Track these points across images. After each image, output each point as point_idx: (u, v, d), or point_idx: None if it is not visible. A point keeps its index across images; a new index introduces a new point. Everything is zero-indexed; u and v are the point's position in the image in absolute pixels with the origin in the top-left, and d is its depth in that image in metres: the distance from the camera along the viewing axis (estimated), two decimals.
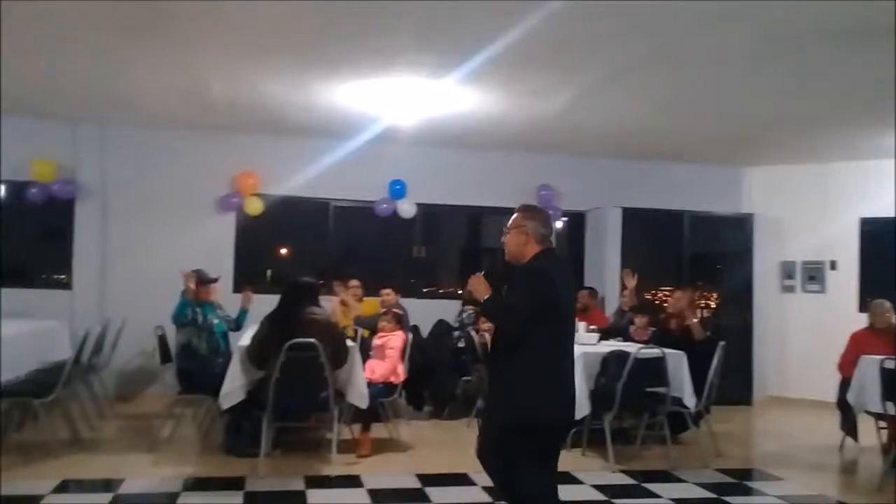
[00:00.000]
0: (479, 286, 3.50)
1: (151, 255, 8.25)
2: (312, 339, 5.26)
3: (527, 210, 3.64)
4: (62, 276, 8.43)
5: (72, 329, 7.29)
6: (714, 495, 5.23)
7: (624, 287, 7.73)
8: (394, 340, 6.33)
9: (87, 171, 8.20)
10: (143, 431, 6.51)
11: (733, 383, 7.90)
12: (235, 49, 5.66)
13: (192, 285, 6.25)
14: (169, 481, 5.05)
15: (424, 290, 9.30)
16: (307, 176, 8.55)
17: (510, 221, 3.62)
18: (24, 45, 5.67)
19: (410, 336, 6.53)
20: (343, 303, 7.69)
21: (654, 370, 5.88)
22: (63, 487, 4.86)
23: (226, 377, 5.43)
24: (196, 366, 5.94)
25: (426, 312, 8.22)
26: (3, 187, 8.35)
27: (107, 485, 4.97)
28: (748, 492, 5.47)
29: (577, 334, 6.63)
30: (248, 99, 7.01)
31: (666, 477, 5.64)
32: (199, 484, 5.04)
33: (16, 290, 8.09)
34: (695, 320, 6.74)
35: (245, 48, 5.63)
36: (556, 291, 3.41)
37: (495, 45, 5.14)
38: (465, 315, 7.89)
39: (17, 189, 8.13)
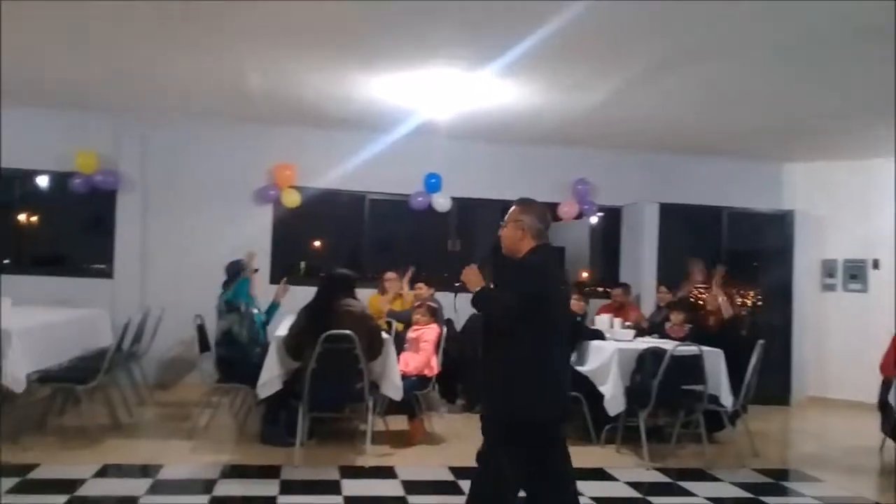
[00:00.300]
0: (472, 277, 3.52)
1: (190, 246, 8.38)
2: (348, 331, 5.30)
3: (524, 204, 3.65)
4: (102, 266, 8.59)
5: (113, 317, 7.44)
6: (750, 495, 5.17)
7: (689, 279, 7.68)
8: (428, 333, 6.35)
9: (129, 163, 8.33)
10: (181, 419, 6.63)
11: (771, 382, 7.80)
12: (276, 41, 5.70)
13: (255, 267, 6.37)
14: (207, 468, 5.14)
15: (458, 284, 9.29)
16: (343, 169, 8.60)
17: (507, 215, 3.63)
18: (70, 39, 5.79)
19: (445, 329, 6.54)
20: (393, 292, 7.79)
21: (691, 368, 5.82)
22: (104, 472, 4.96)
23: (263, 367, 5.51)
24: (236, 354, 6.01)
25: (460, 306, 8.20)
26: (46, 178, 8.54)
27: (146, 470, 5.07)
28: (785, 492, 5.40)
29: (612, 331, 6.72)
30: (287, 91, 7.07)
31: (701, 475, 5.59)
32: (235, 471, 5.11)
33: (59, 279, 8.31)
34: (722, 298, 6.67)
35: (286, 40, 5.67)
36: (548, 287, 3.42)
37: (535, 37, 5.11)
38: None
39: (61, 180, 8.30)
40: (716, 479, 5.50)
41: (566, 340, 3.64)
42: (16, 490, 4.49)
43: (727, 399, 6.07)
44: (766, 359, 6.33)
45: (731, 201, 9.31)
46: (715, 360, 6.09)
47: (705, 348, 5.94)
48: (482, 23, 5.05)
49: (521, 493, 3.60)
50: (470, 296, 3.48)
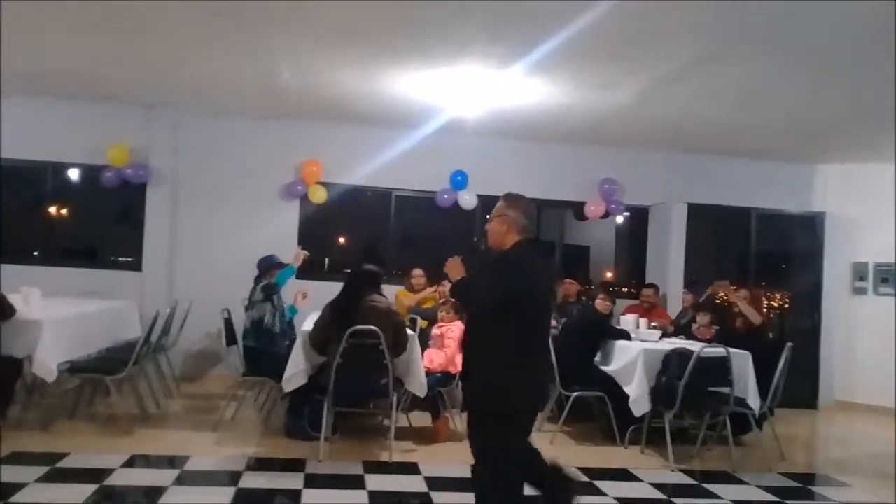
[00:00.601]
0: (454, 268, 3.64)
1: (218, 240, 8.47)
2: (373, 327, 5.32)
3: (510, 199, 3.71)
4: (130, 259, 8.69)
5: (141, 309, 7.54)
6: (776, 499, 5.12)
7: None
8: (453, 330, 6.35)
9: (159, 156, 8.42)
10: (207, 411, 6.70)
11: (799, 386, 7.70)
12: (306, 37, 5.73)
13: (299, 263, 6.50)
14: (232, 460, 5.19)
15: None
16: (370, 165, 8.63)
17: (494, 210, 3.70)
18: (104, 33, 5.85)
19: None
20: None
21: (718, 369, 5.77)
22: (131, 462, 5.03)
23: (289, 361, 5.54)
24: (264, 345, 6.05)
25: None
26: (77, 170, 8.66)
27: (173, 461, 5.13)
28: (811, 496, 5.35)
29: (637, 331, 6.68)
30: (316, 87, 7.10)
31: (726, 478, 5.54)
32: (260, 464, 5.16)
33: (89, 271, 8.43)
34: (745, 303, 6.59)
35: (316, 37, 5.70)
36: (527, 281, 3.48)
37: (564, 35, 5.08)
38: None
39: (92, 172, 8.41)
40: (741, 482, 5.45)
41: (546, 332, 3.74)
42: (46, 478, 4.57)
43: (754, 402, 6.00)
44: (794, 362, 6.25)
45: (761, 202, 9.19)
46: (742, 363, 6.03)
47: (733, 350, 5.88)
48: (511, 20, 5.04)
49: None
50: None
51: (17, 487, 4.35)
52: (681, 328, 7.27)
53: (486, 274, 3.59)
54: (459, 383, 6.54)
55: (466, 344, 3.70)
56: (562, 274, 8.41)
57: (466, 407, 3.68)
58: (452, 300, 6.74)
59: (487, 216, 3.83)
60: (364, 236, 9.69)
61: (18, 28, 5.68)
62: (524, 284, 3.47)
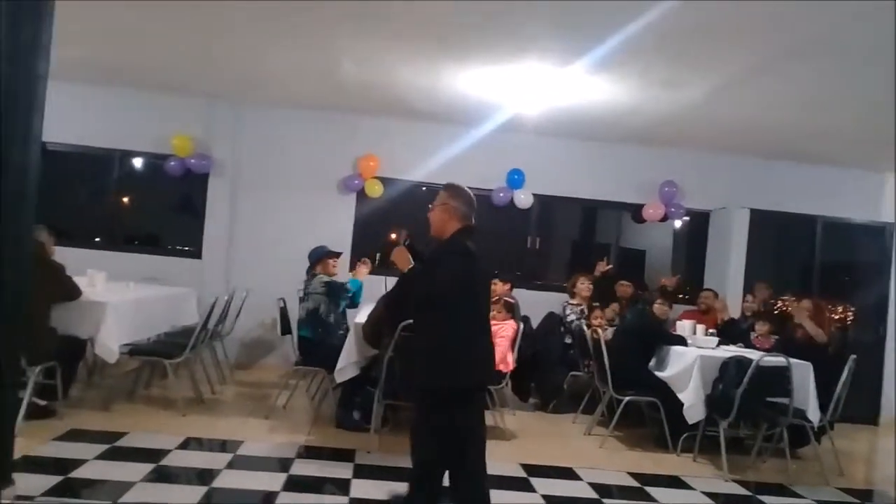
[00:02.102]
0: (401, 257, 3.80)
1: (276, 230, 8.60)
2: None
3: (451, 188, 3.86)
4: (190, 247, 8.88)
5: (200, 296, 7.69)
6: None
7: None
8: (505, 329, 6.32)
9: (222, 147, 8.59)
10: (260, 398, 6.80)
11: (860, 400, 7.45)
12: (371, 32, 5.75)
13: (363, 277, 6.55)
14: (283, 447, 5.26)
15: (537, 281, 9.22)
16: (427, 161, 8.63)
17: (436, 198, 3.87)
18: (172, 25, 5.99)
19: (521, 326, 6.50)
20: None
21: (777, 379, 5.62)
22: (186, 444, 5.14)
23: (341, 353, 5.58)
24: (318, 335, 6.11)
25: (537, 304, 8.15)
26: (142, 159, 8.89)
27: (226, 445, 5.23)
28: None
29: (694, 337, 6.54)
30: (378, 82, 7.14)
31: (782, 491, 5.40)
32: (311, 453, 5.21)
33: (150, 257, 8.65)
34: (809, 320, 6.39)
35: (380, 32, 5.72)
36: (466, 267, 3.66)
37: (630, 32, 4.98)
38: (569, 310, 7.77)
39: (156, 161, 8.62)
40: (797, 496, 5.30)
41: (486, 316, 3.91)
42: (106, 456, 4.70)
43: (814, 414, 5.83)
44: (856, 376, 6.05)
45: (827, 210, 8.91)
46: (803, 373, 5.85)
47: (793, 360, 5.72)
48: (576, 16, 4.97)
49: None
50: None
51: (77, 463, 4.49)
52: (739, 335, 7.09)
53: (429, 262, 3.77)
54: (509, 382, 6.55)
55: (414, 330, 3.97)
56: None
57: (414, 389, 3.90)
58: (506, 300, 6.74)
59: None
60: (417, 232, 9.71)
61: (89, 19, 5.84)
62: (464, 270, 3.65)
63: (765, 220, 8.77)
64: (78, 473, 4.34)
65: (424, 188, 9.01)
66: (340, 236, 8.48)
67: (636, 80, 6.35)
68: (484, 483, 3.81)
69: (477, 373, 3.80)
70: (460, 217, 3.77)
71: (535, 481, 5.02)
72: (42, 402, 5.33)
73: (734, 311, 7.97)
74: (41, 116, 3.89)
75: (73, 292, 5.48)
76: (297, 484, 4.53)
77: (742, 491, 5.32)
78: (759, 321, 7.18)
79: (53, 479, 4.17)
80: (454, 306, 3.62)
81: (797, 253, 9.15)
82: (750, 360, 5.62)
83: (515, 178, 8.82)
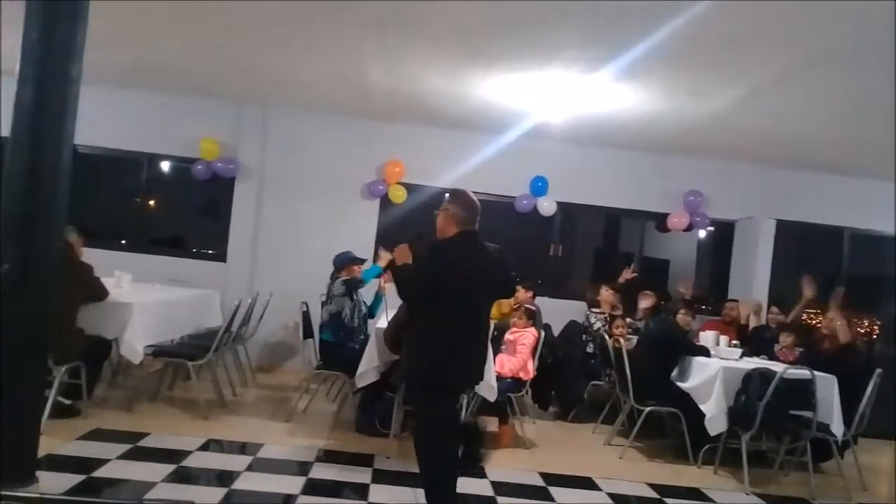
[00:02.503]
0: (403, 254, 4.05)
1: (300, 235, 8.68)
2: None
3: (453, 194, 4.16)
4: (211, 251, 8.98)
5: (223, 299, 7.76)
6: None
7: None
8: (526, 337, 6.31)
9: (248, 151, 8.68)
10: (280, 402, 6.84)
11: (885, 415, 7.31)
12: (399, 39, 5.78)
13: (384, 264, 6.50)
14: (303, 451, 5.29)
15: (559, 289, 9.19)
16: (451, 168, 8.66)
17: (442, 204, 4.12)
18: (199, 29, 6.06)
19: (543, 334, 6.48)
20: None
21: (801, 392, 5.55)
22: (207, 446, 5.19)
23: (362, 358, 5.60)
24: (340, 339, 6.14)
25: (558, 312, 8.13)
26: (169, 163, 9.00)
27: (246, 448, 5.26)
28: None
29: (717, 348, 6.49)
30: (404, 88, 7.17)
31: None
32: (330, 457, 5.23)
33: (175, 259, 8.75)
34: (840, 322, 6.30)
35: (408, 38, 5.75)
36: (455, 268, 3.84)
37: (657, 39, 4.96)
38: (594, 318, 7.74)
39: (183, 165, 8.73)
40: None
41: (479, 317, 4.07)
42: (128, 455, 4.76)
43: (838, 428, 5.75)
44: (882, 390, 5.96)
45: (855, 222, 8.82)
46: (827, 387, 5.78)
47: (818, 373, 5.65)
48: (604, 24, 4.96)
49: None
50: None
51: (100, 462, 4.55)
52: (762, 347, 7.01)
53: (419, 261, 3.98)
54: (529, 390, 6.53)
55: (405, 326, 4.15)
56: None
57: (405, 385, 4.24)
58: (527, 307, 6.73)
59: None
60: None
61: (119, 22, 5.92)
62: (451, 271, 3.83)
63: (791, 230, 8.69)
64: (100, 473, 4.39)
65: (448, 195, 9.01)
66: (363, 242, 8.51)
67: (662, 89, 6.32)
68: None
69: (448, 372, 3.92)
70: (460, 222, 4.00)
71: (553, 490, 5.00)
72: (67, 402, 5.40)
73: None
74: (74, 119, 3.96)
75: (100, 293, 5.56)
76: (316, 488, 4.55)
77: None
78: (783, 333, 7.10)
79: (76, 478, 4.23)
80: (437, 304, 3.81)
81: (823, 264, 9.04)
82: (774, 373, 5.55)
83: (539, 186, 8.81)
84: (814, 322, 7.57)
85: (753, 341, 7.21)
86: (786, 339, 6.99)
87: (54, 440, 4.73)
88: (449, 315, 3.87)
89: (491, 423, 6.26)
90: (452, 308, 3.87)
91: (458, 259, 3.91)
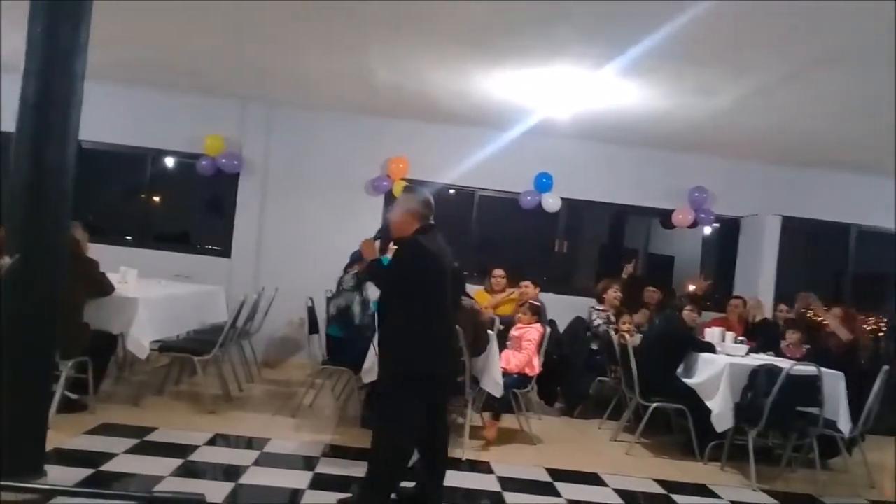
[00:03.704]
0: (368, 249, 4.16)
1: (304, 231, 8.68)
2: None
3: (409, 190, 4.28)
4: (215, 247, 8.99)
5: (228, 295, 7.76)
6: None
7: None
8: (531, 333, 6.29)
9: (252, 147, 8.68)
10: (286, 397, 6.85)
11: (893, 412, 7.30)
12: (403, 35, 5.78)
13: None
14: (309, 446, 5.29)
15: (564, 285, 9.17)
16: (456, 164, 8.65)
17: (397, 200, 4.23)
18: (203, 26, 6.06)
19: (548, 330, 6.47)
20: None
21: (808, 389, 5.53)
22: (213, 441, 5.20)
23: (368, 353, 5.59)
24: (347, 334, 6.13)
25: (564, 308, 8.12)
26: (173, 159, 9.01)
27: (252, 443, 5.27)
28: None
29: (723, 344, 6.47)
30: (409, 84, 7.16)
31: (811, 502, 5.32)
32: (336, 452, 5.24)
33: (180, 255, 8.74)
34: (836, 320, 6.29)
35: (413, 35, 5.75)
36: (424, 263, 3.92)
37: (663, 36, 4.96)
38: (595, 315, 7.71)
39: (188, 162, 8.73)
40: None
41: (446, 307, 4.13)
42: (134, 450, 4.76)
43: (845, 425, 5.73)
44: (889, 387, 5.94)
45: (862, 219, 8.79)
46: (834, 383, 5.76)
47: (825, 370, 5.63)
48: (610, 20, 4.95)
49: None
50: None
51: (107, 456, 4.55)
52: (768, 344, 6.99)
53: (398, 256, 4.03)
54: (535, 386, 6.53)
55: (378, 320, 4.20)
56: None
57: (378, 377, 4.25)
58: (532, 303, 6.72)
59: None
60: (446, 236, 9.74)
61: (124, 19, 5.92)
62: (422, 267, 3.91)
63: (797, 227, 8.68)
64: (108, 467, 4.40)
65: (453, 191, 9.02)
66: (368, 237, 8.48)
67: (668, 86, 6.31)
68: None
69: (430, 364, 3.98)
70: (419, 217, 4.04)
71: (560, 486, 5.00)
72: (74, 396, 5.41)
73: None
74: (78, 115, 3.96)
75: (106, 288, 5.56)
76: (323, 483, 4.55)
77: (770, 501, 5.24)
78: (790, 330, 7.08)
79: (84, 472, 4.23)
80: (409, 299, 3.92)
81: (830, 261, 9.02)
82: (780, 369, 5.54)
83: (544, 182, 8.80)
84: (820, 319, 7.52)
85: (760, 337, 7.19)
86: (792, 335, 6.97)
87: (62, 434, 4.73)
88: (428, 308, 3.98)
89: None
90: (431, 301, 3.98)
91: (435, 253, 3.99)
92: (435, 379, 4.07)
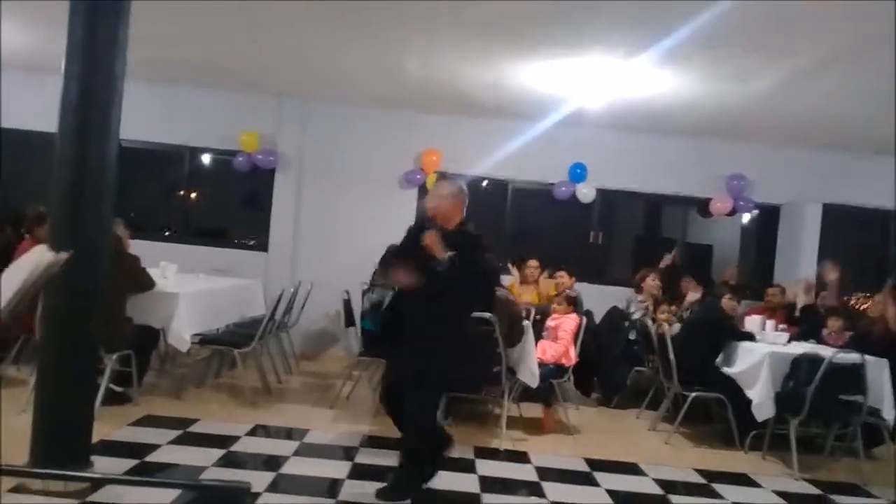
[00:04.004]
0: (436, 246, 3.89)
1: (340, 224, 8.74)
2: (489, 315, 5.32)
3: (450, 181, 4.28)
4: (251, 242, 9.10)
5: (266, 288, 7.86)
6: None
7: (819, 282, 7.16)
8: (567, 323, 6.28)
9: (288, 143, 8.75)
10: (324, 389, 6.92)
11: None
12: (436, 28, 5.77)
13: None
14: (347, 436, 5.35)
15: (600, 276, 9.11)
16: (489, 156, 8.61)
17: (438, 188, 4.28)
18: (239, 23, 6.12)
19: (584, 320, 6.45)
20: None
21: (851, 377, 5.44)
22: (254, 431, 5.28)
23: None
24: (379, 328, 6.17)
25: (599, 298, 8.07)
26: (210, 155, 9.13)
27: (292, 433, 5.34)
28: None
29: (763, 333, 6.38)
30: (442, 77, 7.15)
31: (855, 491, 5.24)
32: (374, 442, 5.28)
33: (219, 250, 8.88)
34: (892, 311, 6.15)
35: (446, 27, 5.73)
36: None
37: (699, 23, 4.88)
38: (634, 306, 7.66)
39: (224, 158, 8.84)
40: (871, 496, 5.13)
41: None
42: (178, 441, 4.87)
43: (890, 413, 5.62)
44: None
45: None
46: (878, 371, 5.65)
47: (868, 357, 5.53)
48: (643, 9, 4.88)
49: None
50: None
51: (151, 448, 4.65)
52: (809, 332, 6.87)
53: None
54: (571, 376, 6.51)
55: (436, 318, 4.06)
56: None
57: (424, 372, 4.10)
58: (568, 294, 6.69)
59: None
60: (480, 227, 9.74)
61: (162, 18, 5.99)
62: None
63: (838, 214, 8.51)
64: (152, 457, 4.50)
65: (486, 183, 9.01)
66: (401, 231, 8.50)
67: (704, 72, 6.22)
68: None
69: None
70: (463, 207, 4.05)
71: (598, 476, 4.99)
72: (118, 389, 5.53)
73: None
74: (119, 115, 4.04)
75: (148, 283, 5.67)
76: (362, 472, 4.61)
77: (814, 490, 5.18)
78: (831, 317, 6.96)
79: (129, 463, 4.33)
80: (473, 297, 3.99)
81: (872, 249, 8.83)
82: (822, 358, 5.46)
83: (578, 172, 8.75)
84: (863, 307, 7.38)
85: (804, 322, 7.07)
86: (834, 322, 6.85)
87: (107, 426, 4.84)
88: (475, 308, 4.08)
89: (534, 410, 6.23)
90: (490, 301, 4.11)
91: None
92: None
